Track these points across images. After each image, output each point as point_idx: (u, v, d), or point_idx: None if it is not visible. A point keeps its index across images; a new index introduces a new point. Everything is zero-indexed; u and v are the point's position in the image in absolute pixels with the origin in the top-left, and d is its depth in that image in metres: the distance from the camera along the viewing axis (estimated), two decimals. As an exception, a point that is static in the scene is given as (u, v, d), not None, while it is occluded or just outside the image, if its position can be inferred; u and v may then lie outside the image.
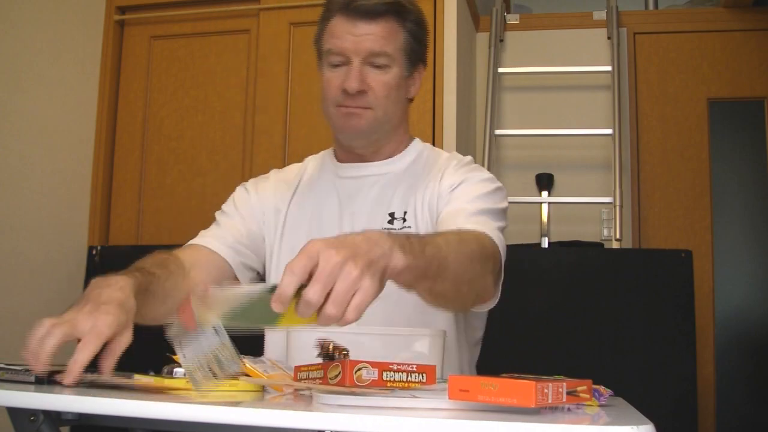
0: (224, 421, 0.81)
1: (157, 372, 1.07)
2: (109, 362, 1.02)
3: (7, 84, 2.45)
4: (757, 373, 3.02)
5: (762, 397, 2.98)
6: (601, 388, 0.99)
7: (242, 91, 2.87)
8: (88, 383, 0.99)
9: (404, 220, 1.39)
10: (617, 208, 2.80)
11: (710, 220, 3.06)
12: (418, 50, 1.42)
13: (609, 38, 3.16)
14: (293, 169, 1.58)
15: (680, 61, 3.17)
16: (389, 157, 1.47)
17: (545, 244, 2.99)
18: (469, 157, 1.48)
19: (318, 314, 0.87)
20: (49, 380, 1.03)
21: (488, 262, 1.20)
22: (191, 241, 1.47)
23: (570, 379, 0.90)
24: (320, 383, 0.96)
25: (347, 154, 1.48)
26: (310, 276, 0.86)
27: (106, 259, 2.71)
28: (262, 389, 1.03)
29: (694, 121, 3.13)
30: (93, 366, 1.12)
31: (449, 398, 0.83)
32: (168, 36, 2.98)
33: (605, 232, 3.03)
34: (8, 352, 2.34)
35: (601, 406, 0.96)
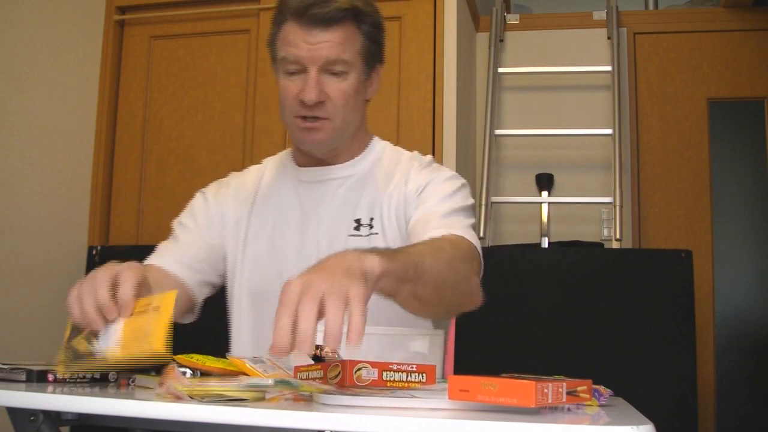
0: (224, 421, 0.81)
1: (158, 372, 1.07)
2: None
3: (7, 84, 2.45)
4: (757, 373, 3.02)
5: (762, 397, 2.98)
6: (601, 388, 0.99)
7: (242, 91, 2.87)
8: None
9: (371, 226, 1.36)
10: (617, 208, 2.80)
11: (710, 220, 3.06)
12: (376, 51, 1.39)
13: (609, 38, 3.16)
14: (252, 172, 1.54)
15: (680, 61, 3.17)
16: (351, 159, 1.44)
17: (545, 244, 2.99)
18: (429, 157, 1.46)
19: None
20: (39, 378, 1.03)
21: (471, 263, 1.20)
22: (149, 260, 1.43)
23: (570, 379, 0.90)
24: (320, 383, 0.96)
25: (307, 158, 1.44)
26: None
27: (106, 259, 2.69)
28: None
29: (694, 121, 3.13)
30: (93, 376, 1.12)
31: (449, 398, 0.83)
32: (168, 36, 2.98)
33: (605, 232, 3.03)
34: (8, 352, 2.34)
35: (601, 406, 0.96)
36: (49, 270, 2.60)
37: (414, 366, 0.99)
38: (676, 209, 3.09)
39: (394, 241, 1.34)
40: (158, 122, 2.93)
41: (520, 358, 2.25)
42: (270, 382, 0.92)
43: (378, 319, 1.22)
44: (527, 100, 3.26)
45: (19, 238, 2.48)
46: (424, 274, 1.04)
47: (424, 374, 0.99)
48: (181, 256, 1.43)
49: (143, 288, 1.09)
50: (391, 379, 0.96)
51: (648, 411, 0.92)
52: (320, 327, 1.04)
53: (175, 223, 1.52)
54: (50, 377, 1.04)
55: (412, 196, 1.35)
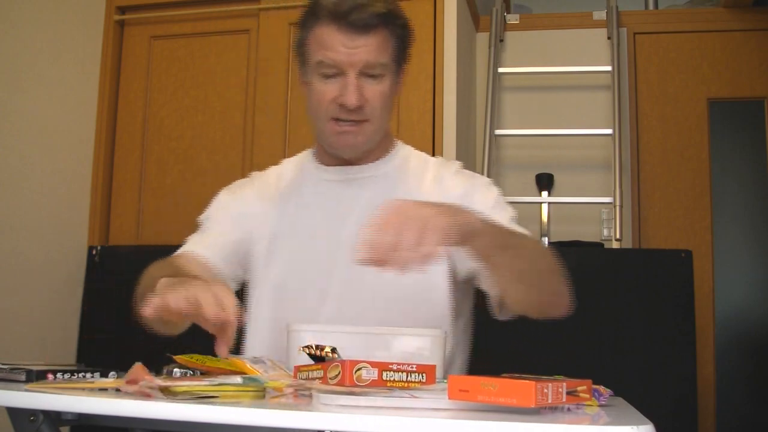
0: (224, 421, 0.81)
1: (158, 372, 1.07)
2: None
3: (7, 84, 2.45)
4: (757, 373, 3.02)
5: (762, 397, 2.98)
6: (601, 388, 0.99)
7: (242, 91, 2.87)
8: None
9: None
10: (617, 208, 2.79)
11: (710, 220, 3.05)
12: (405, 53, 1.40)
13: (609, 38, 3.16)
14: (272, 171, 1.56)
15: (680, 61, 3.17)
16: (375, 160, 1.44)
17: (545, 244, 2.99)
18: (458, 162, 1.48)
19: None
20: (38, 377, 1.03)
21: (557, 262, 1.23)
22: (184, 249, 1.44)
23: (570, 379, 0.90)
24: (320, 383, 0.97)
25: (331, 158, 1.45)
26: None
27: (106, 259, 2.71)
28: (263, 389, 1.03)
29: (694, 121, 3.13)
30: (93, 367, 1.12)
31: (449, 398, 0.83)
32: (168, 36, 2.98)
33: (605, 232, 3.03)
34: (8, 352, 2.34)
35: (601, 406, 0.96)
36: (49, 270, 2.60)
37: (414, 366, 0.99)
38: (676, 209, 3.09)
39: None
40: (158, 122, 2.93)
41: (520, 358, 2.25)
42: (238, 379, 0.92)
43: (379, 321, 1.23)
44: (527, 100, 3.26)
45: (19, 238, 2.48)
46: (520, 247, 1.14)
47: (424, 374, 1.00)
48: (215, 251, 1.44)
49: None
50: (391, 379, 0.96)
51: (648, 411, 0.92)
52: (312, 328, 1.05)
53: (202, 218, 1.53)
54: (49, 377, 1.04)
55: (456, 199, 1.33)
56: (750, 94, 3.13)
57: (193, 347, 1.18)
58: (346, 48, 1.29)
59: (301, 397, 0.93)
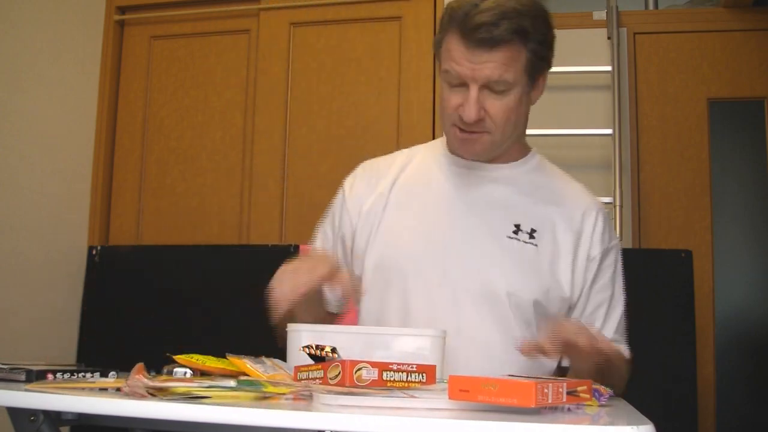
0: (224, 421, 0.81)
1: (158, 372, 1.07)
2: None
3: (7, 84, 2.45)
4: (757, 373, 3.02)
5: (762, 397, 2.98)
6: (601, 388, 0.99)
7: (242, 91, 2.87)
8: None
9: (531, 236, 1.37)
10: (617, 208, 2.79)
11: (710, 220, 3.05)
12: (542, 62, 1.38)
13: (609, 38, 3.16)
14: (400, 155, 1.54)
15: (680, 61, 3.17)
16: (508, 162, 1.45)
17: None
18: (603, 210, 1.49)
19: None
20: (38, 377, 1.03)
21: (625, 376, 1.44)
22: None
23: (570, 379, 0.90)
24: (320, 383, 0.96)
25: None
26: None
27: (106, 259, 2.71)
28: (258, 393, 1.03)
29: (694, 121, 3.13)
30: (93, 366, 1.12)
31: (449, 398, 0.83)
32: (168, 36, 2.98)
33: (605, 232, 3.02)
34: (8, 352, 2.34)
35: (601, 406, 0.96)
36: (49, 270, 2.60)
37: (414, 366, 0.99)
38: (676, 209, 3.08)
39: (544, 262, 1.36)
40: (158, 122, 2.93)
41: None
42: (231, 383, 0.93)
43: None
44: (527, 100, 3.26)
45: (19, 238, 2.47)
46: (610, 368, 1.28)
47: (424, 374, 0.99)
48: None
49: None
50: (391, 379, 0.96)
51: (648, 411, 0.91)
52: (311, 328, 1.06)
53: (318, 230, 1.59)
54: (49, 377, 1.04)
55: (593, 264, 1.41)
56: (750, 94, 3.13)
57: (193, 347, 1.18)
58: (471, 62, 1.28)
59: (301, 397, 0.93)
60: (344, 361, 0.95)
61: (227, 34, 2.93)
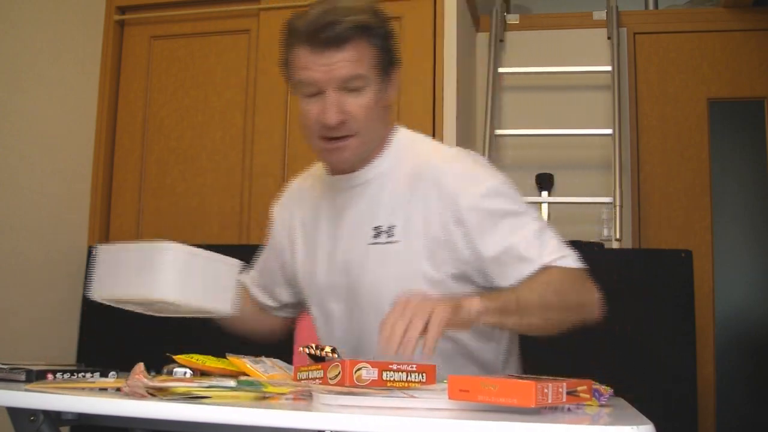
0: (224, 421, 0.81)
1: (158, 372, 1.07)
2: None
3: (7, 84, 2.45)
4: (757, 373, 3.02)
5: (762, 397, 2.98)
6: (602, 388, 0.99)
7: (242, 91, 2.87)
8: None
9: (389, 234, 1.36)
10: (617, 208, 2.79)
11: (710, 220, 3.05)
12: (389, 58, 1.37)
13: (609, 38, 3.16)
14: (304, 179, 1.62)
15: (680, 61, 3.17)
16: (373, 160, 1.42)
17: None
18: (468, 159, 1.40)
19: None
20: (38, 377, 1.03)
21: (575, 285, 1.33)
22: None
23: (570, 379, 0.90)
24: (320, 383, 0.96)
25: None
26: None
27: (106, 259, 2.71)
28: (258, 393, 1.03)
29: (694, 121, 3.13)
30: (92, 366, 1.12)
31: (449, 398, 0.83)
32: (168, 36, 2.97)
33: (605, 232, 3.02)
34: (8, 352, 2.34)
35: (601, 406, 0.96)
36: (49, 270, 2.60)
37: (414, 366, 0.99)
38: (676, 209, 3.09)
39: (420, 252, 1.33)
40: (158, 122, 2.93)
41: (520, 358, 2.25)
42: (231, 383, 0.93)
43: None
44: (527, 100, 3.26)
45: (19, 238, 2.47)
46: (531, 305, 1.24)
47: (424, 374, 1.00)
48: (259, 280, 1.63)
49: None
50: (391, 379, 0.96)
51: (648, 411, 0.91)
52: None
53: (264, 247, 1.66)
54: (49, 377, 1.04)
55: (472, 227, 1.31)
56: (750, 94, 3.13)
57: (193, 347, 1.18)
58: (321, 66, 1.29)
59: (301, 397, 0.93)
60: (344, 361, 0.95)
61: (227, 34, 2.93)
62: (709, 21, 3.17)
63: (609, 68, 3.07)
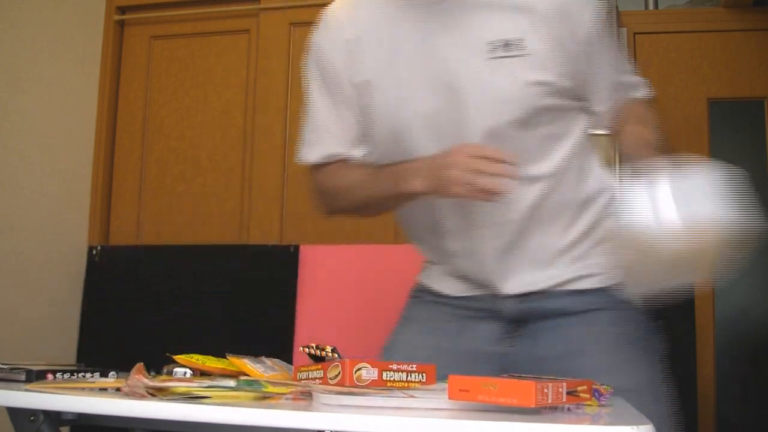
0: (224, 421, 0.81)
1: (158, 372, 1.07)
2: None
3: (7, 84, 2.45)
4: (757, 373, 3.02)
5: (762, 397, 2.98)
6: (602, 388, 0.98)
7: (242, 91, 2.87)
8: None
9: (520, 47, 1.20)
10: (617, 208, 2.79)
11: (710, 220, 3.05)
12: None
13: (609, 38, 3.16)
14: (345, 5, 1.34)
15: (680, 61, 3.17)
16: None
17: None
18: None
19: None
20: (38, 377, 1.03)
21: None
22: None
23: (570, 379, 0.90)
24: (320, 383, 0.96)
25: None
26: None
27: (106, 259, 2.71)
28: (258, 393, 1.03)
29: (694, 121, 3.13)
30: (93, 366, 1.12)
31: (449, 398, 0.83)
32: (168, 36, 2.98)
33: (605, 232, 3.02)
34: (8, 352, 2.34)
35: (601, 406, 0.96)
36: (49, 270, 2.60)
37: (414, 366, 0.99)
38: (676, 209, 3.08)
39: (554, 63, 1.21)
40: (158, 122, 2.93)
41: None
42: (232, 383, 0.93)
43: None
44: (527, 100, 3.26)
45: (19, 238, 2.47)
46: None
47: (424, 374, 1.00)
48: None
49: None
50: (391, 378, 0.96)
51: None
52: None
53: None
54: (49, 377, 1.04)
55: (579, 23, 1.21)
56: (750, 94, 3.13)
57: (193, 347, 1.18)
58: None
59: (301, 397, 0.93)
60: (344, 361, 0.95)
61: (227, 34, 2.93)
62: (709, 21, 3.17)
63: (609, 68, 3.07)
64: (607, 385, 1.01)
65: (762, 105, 3.17)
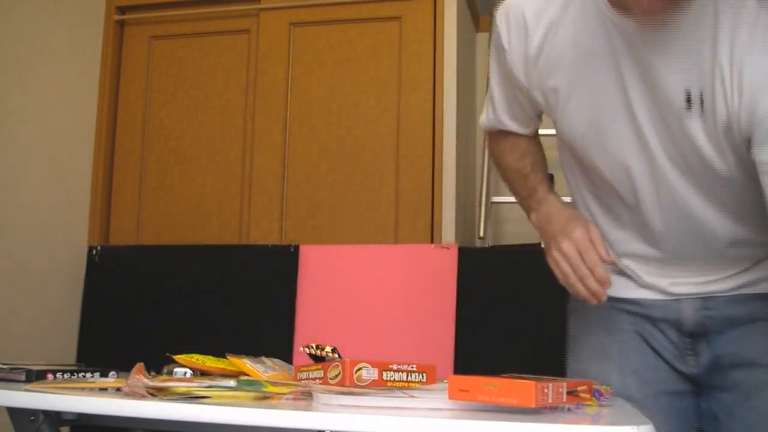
0: (224, 421, 0.81)
1: (158, 372, 1.07)
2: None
3: (7, 84, 2.45)
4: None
5: None
6: (602, 388, 0.98)
7: (242, 91, 2.87)
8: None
9: (701, 104, 1.02)
10: (617, 208, 2.79)
11: (710, 220, 3.05)
12: None
13: (609, 38, 3.16)
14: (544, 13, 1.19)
15: (680, 61, 3.17)
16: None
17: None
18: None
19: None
20: (38, 377, 1.03)
21: None
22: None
23: (570, 379, 0.90)
24: (320, 383, 0.96)
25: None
26: None
27: (106, 259, 2.71)
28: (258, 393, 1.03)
29: (694, 121, 3.12)
30: (92, 366, 1.12)
31: (449, 398, 0.83)
32: (168, 36, 2.98)
33: (605, 232, 3.02)
34: (8, 352, 2.34)
35: (601, 406, 0.96)
36: (49, 270, 2.60)
37: (414, 366, 0.99)
38: (676, 209, 3.08)
39: (724, 130, 1.01)
40: (158, 122, 2.93)
41: (519, 358, 2.25)
42: (232, 383, 0.93)
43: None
44: (527, 100, 3.26)
45: (19, 238, 2.48)
46: None
47: (424, 374, 1.00)
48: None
49: None
50: (391, 379, 0.96)
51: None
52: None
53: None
54: (49, 377, 1.04)
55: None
56: (750, 94, 3.13)
57: (193, 347, 1.18)
58: None
59: (301, 397, 0.93)
60: (344, 361, 0.95)
61: (227, 34, 2.93)
62: (709, 21, 3.17)
63: (609, 68, 3.07)
64: (606, 386, 1.01)
65: (762, 105, 3.16)
